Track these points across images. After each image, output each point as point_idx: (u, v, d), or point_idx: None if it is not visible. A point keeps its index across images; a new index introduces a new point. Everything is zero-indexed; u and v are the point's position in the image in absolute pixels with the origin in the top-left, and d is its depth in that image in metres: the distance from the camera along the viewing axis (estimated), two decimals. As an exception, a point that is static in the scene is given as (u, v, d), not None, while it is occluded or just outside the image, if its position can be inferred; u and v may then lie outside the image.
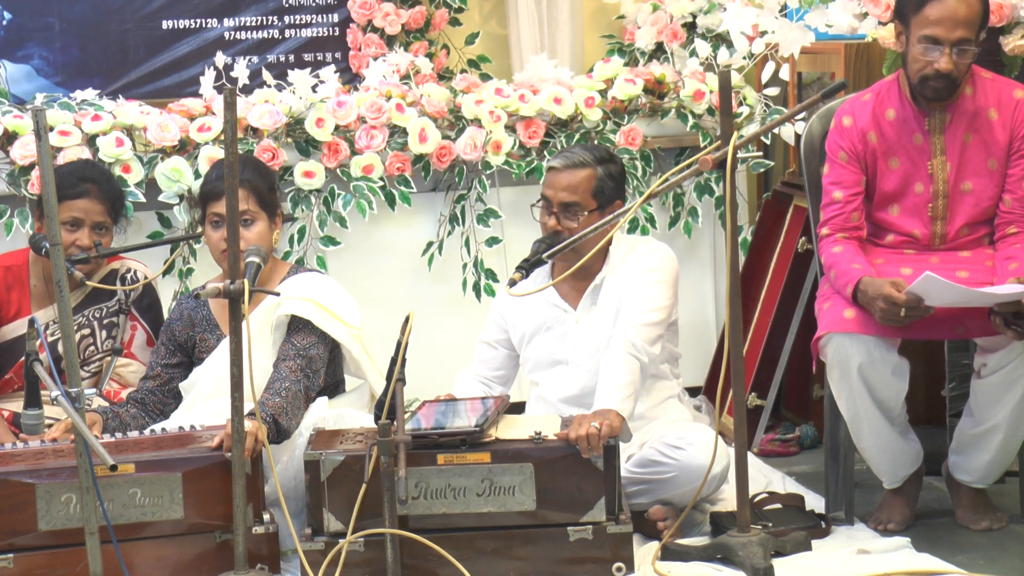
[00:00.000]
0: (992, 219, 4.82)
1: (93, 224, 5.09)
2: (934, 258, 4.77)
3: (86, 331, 5.20)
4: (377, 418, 4.41)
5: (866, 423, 4.73)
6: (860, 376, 4.63)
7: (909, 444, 4.83)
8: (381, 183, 5.87)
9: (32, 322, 4.09)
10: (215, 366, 4.83)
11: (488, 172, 5.99)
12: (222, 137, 5.34)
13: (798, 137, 5.73)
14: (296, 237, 5.80)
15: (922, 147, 4.78)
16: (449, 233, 6.06)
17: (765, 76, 5.94)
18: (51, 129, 5.51)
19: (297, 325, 4.84)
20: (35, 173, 5.44)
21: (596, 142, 5.98)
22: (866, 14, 5.73)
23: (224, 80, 6.02)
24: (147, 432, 4.70)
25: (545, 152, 5.93)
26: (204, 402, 4.86)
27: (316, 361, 4.83)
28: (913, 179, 4.80)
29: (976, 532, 4.82)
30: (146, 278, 5.28)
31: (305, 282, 4.94)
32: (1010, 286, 4.49)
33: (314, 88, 5.89)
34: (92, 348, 5.22)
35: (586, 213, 4.93)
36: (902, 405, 4.75)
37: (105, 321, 5.24)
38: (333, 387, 5.05)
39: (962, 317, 4.62)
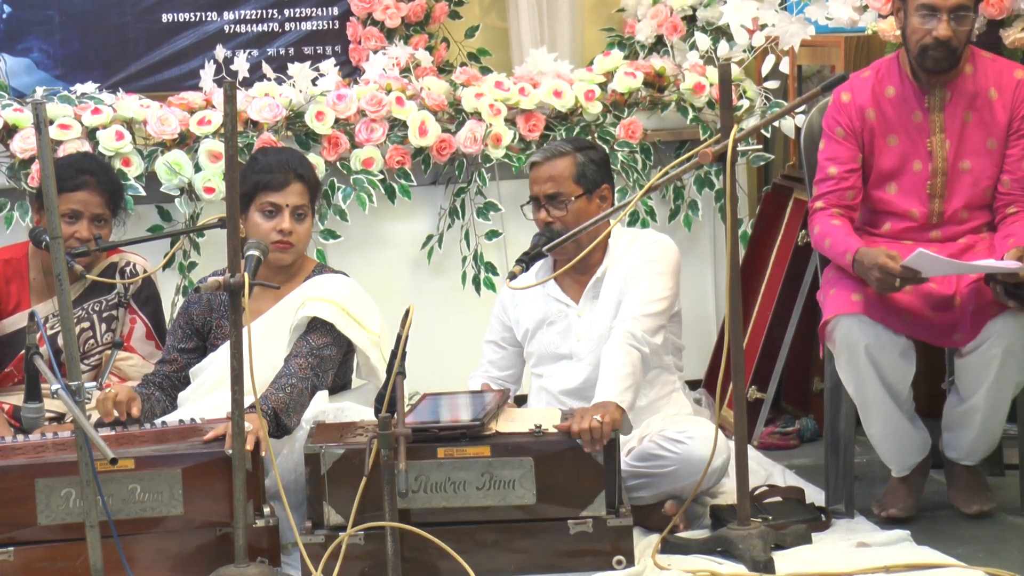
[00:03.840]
0: (991, 205, 4.82)
1: (92, 216, 5.09)
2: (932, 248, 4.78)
3: (85, 324, 5.20)
4: (377, 411, 4.41)
5: (875, 408, 4.74)
6: (868, 357, 4.64)
7: (917, 431, 4.83)
8: (381, 176, 5.88)
9: (32, 315, 4.10)
10: (227, 354, 4.82)
11: (488, 165, 6.00)
12: (222, 130, 5.34)
13: (798, 130, 5.73)
14: (296, 230, 5.81)
15: (921, 125, 4.79)
16: (449, 226, 6.06)
17: (765, 69, 5.94)
18: (51, 122, 5.51)
19: (315, 324, 4.83)
20: (35, 166, 5.44)
21: (596, 135, 5.99)
22: (866, 7, 5.75)
23: (224, 73, 6.03)
24: (147, 426, 4.70)
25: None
26: (210, 391, 4.86)
27: (327, 362, 4.83)
28: (911, 157, 4.81)
29: (977, 525, 4.82)
30: (145, 271, 5.28)
31: (330, 284, 4.93)
32: (1006, 262, 4.53)
33: (314, 81, 5.91)
34: (92, 341, 5.22)
35: (573, 199, 4.94)
36: (909, 391, 4.76)
37: (104, 314, 5.24)
38: (340, 388, 5.05)
39: (958, 325, 4.65)
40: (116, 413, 4.71)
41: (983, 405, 4.73)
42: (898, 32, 4.93)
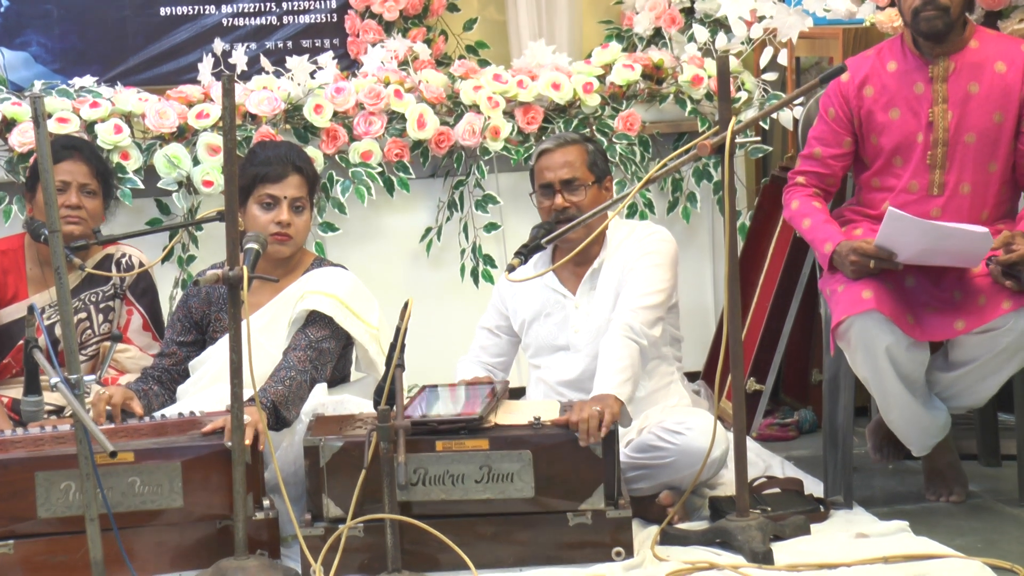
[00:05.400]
0: (996, 196, 4.83)
1: (79, 186, 5.11)
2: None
3: (82, 315, 5.22)
4: (377, 404, 4.42)
5: (892, 399, 4.74)
6: (888, 356, 4.64)
7: (934, 414, 4.82)
8: (379, 169, 5.90)
9: (31, 309, 4.10)
10: (226, 348, 4.82)
11: (486, 158, 6.01)
12: (221, 124, 5.34)
13: (796, 122, 5.76)
14: (295, 223, 5.81)
15: (923, 95, 4.81)
16: (447, 219, 6.07)
17: (763, 61, 5.97)
18: (49, 116, 5.53)
19: (314, 317, 4.84)
20: (33, 159, 5.44)
21: (595, 128, 6.01)
22: (864, -1, 5.76)
23: (222, 67, 6.03)
24: (146, 419, 4.71)
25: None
26: (209, 384, 4.88)
27: (326, 355, 4.85)
28: (914, 129, 4.82)
29: (975, 516, 4.83)
30: (142, 264, 5.30)
31: (329, 277, 4.94)
32: (974, 226, 4.56)
33: (312, 74, 5.91)
34: (89, 332, 5.24)
35: (588, 184, 4.98)
36: (923, 377, 4.76)
37: (101, 305, 5.26)
38: (339, 381, 5.07)
39: (961, 315, 4.64)
40: (110, 412, 4.73)
41: (965, 381, 4.76)
42: (896, 24, 4.94)
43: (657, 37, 6.43)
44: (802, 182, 4.96)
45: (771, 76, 6.05)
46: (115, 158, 5.56)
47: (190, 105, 5.79)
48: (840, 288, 4.71)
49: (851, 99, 4.88)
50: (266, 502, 4.53)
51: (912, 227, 4.52)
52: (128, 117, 5.70)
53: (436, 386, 4.87)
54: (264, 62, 6.05)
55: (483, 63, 6.43)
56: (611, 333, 4.80)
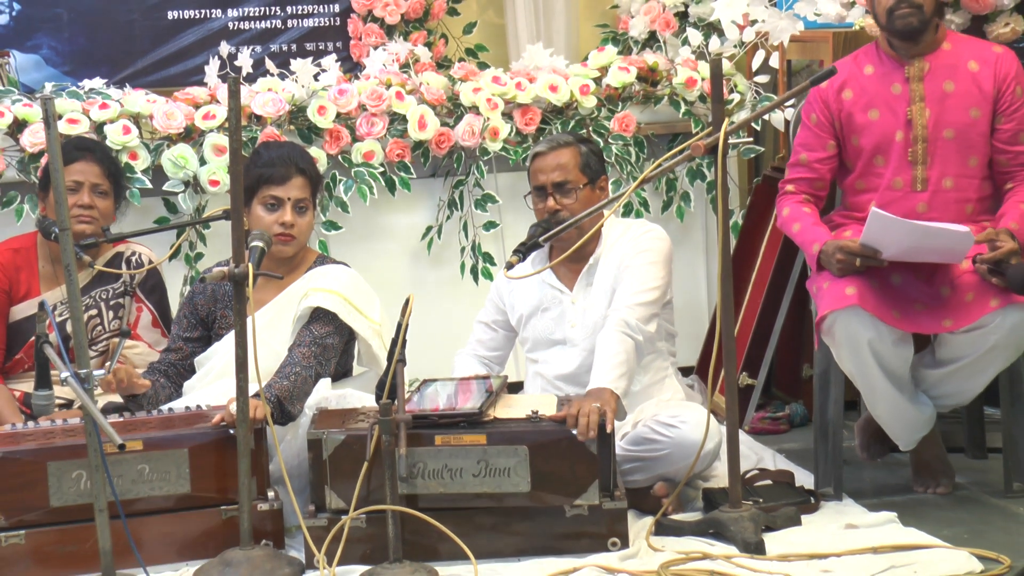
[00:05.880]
0: (979, 179, 4.88)
1: (91, 186, 5.16)
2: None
3: (93, 312, 5.26)
4: (378, 398, 4.47)
5: (879, 394, 4.78)
6: (871, 350, 4.67)
7: (920, 408, 4.86)
8: (381, 169, 5.93)
9: (42, 305, 4.16)
10: (232, 344, 4.88)
11: (486, 158, 6.04)
12: (226, 125, 5.40)
13: (787, 123, 5.77)
14: (298, 222, 5.86)
15: (901, 95, 4.87)
16: (448, 218, 6.11)
17: (755, 64, 5.99)
18: (60, 117, 5.56)
19: (318, 314, 4.87)
20: (44, 159, 5.48)
21: (591, 129, 6.05)
22: (853, 3, 5.79)
23: (228, 69, 6.06)
24: (153, 413, 4.77)
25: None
26: (215, 379, 4.92)
27: (330, 350, 4.87)
28: (893, 127, 4.89)
29: (962, 508, 4.86)
30: (151, 261, 5.33)
31: (332, 274, 4.97)
32: (957, 225, 4.60)
33: (316, 77, 5.94)
34: (99, 328, 5.29)
35: (581, 187, 5.02)
36: (908, 373, 4.80)
37: (112, 302, 5.30)
38: (342, 376, 5.09)
39: (948, 312, 4.68)
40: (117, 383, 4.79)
41: (953, 379, 4.80)
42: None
43: (652, 40, 6.46)
44: (792, 190, 5.02)
45: (763, 78, 6.08)
46: (124, 158, 5.58)
47: (197, 107, 5.81)
48: (825, 285, 4.74)
49: (831, 103, 4.95)
50: (271, 493, 4.59)
51: (895, 226, 4.56)
52: (136, 118, 5.73)
53: (435, 380, 4.90)
54: (269, 65, 6.08)
55: (482, 65, 6.46)
56: (607, 329, 4.84)
